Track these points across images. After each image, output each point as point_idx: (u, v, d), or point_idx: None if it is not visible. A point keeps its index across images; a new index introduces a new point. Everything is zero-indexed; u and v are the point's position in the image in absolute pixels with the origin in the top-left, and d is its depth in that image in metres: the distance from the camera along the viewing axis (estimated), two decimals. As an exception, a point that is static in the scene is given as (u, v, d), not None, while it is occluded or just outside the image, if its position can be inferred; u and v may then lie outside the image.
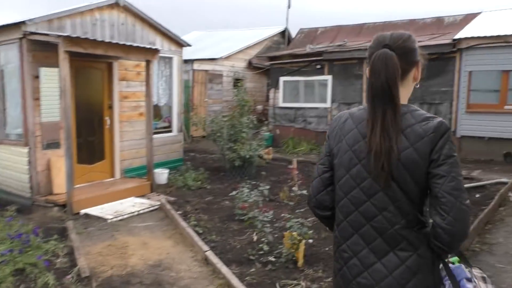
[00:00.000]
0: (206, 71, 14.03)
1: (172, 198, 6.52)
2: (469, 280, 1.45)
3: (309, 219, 4.83)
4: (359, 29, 15.19)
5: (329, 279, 3.71)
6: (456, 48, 9.67)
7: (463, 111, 9.79)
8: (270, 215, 4.72)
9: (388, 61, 1.45)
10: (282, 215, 5.26)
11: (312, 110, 12.16)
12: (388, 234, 1.47)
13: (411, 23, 14.20)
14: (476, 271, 1.50)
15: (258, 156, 8.55)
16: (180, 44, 8.58)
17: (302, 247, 4.06)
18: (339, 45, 12.53)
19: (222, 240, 4.76)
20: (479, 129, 9.59)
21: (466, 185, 7.13)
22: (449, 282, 1.46)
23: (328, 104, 11.81)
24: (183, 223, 5.19)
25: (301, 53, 12.34)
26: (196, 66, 13.67)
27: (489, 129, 9.44)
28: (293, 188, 6.50)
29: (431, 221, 1.44)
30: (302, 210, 5.75)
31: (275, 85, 12.87)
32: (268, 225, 4.60)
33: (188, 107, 12.78)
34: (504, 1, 12.25)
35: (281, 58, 12.70)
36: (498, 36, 9.11)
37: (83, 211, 5.78)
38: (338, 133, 1.60)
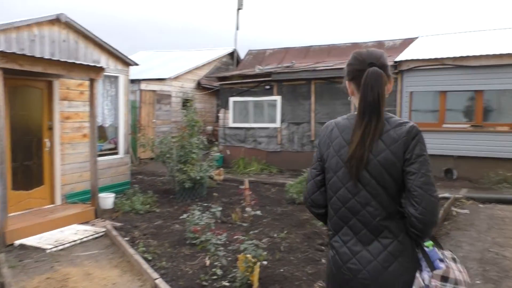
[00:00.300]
0: (154, 91, 13.72)
1: (118, 224, 6.16)
2: (442, 260, 1.63)
3: (263, 240, 4.72)
4: (305, 51, 15.63)
5: (286, 302, 3.60)
6: (397, 70, 10.16)
7: (406, 130, 10.24)
8: (224, 238, 4.56)
9: (379, 78, 1.67)
10: (236, 237, 5.11)
11: (262, 130, 12.21)
12: (372, 225, 1.69)
13: (355, 46, 14.81)
14: (447, 253, 1.68)
15: (209, 177, 8.38)
16: (126, 63, 8.32)
17: (257, 270, 3.93)
18: (287, 66, 12.78)
19: (173, 266, 4.51)
20: (421, 146, 10.04)
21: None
22: (425, 263, 1.65)
23: (277, 124, 11.92)
24: (131, 250, 4.89)
25: (251, 73, 12.44)
26: (143, 86, 13.34)
27: (430, 146, 9.85)
28: (247, 209, 6.37)
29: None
30: (256, 231, 5.63)
31: (225, 106, 12.83)
32: (221, 248, 4.43)
33: (135, 128, 12.38)
34: (435, 27, 13.14)
35: (231, 78, 12.72)
36: (436, 59, 9.70)
37: (18, 242, 5.29)
38: (326, 141, 1.82)
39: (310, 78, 11.23)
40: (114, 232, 5.58)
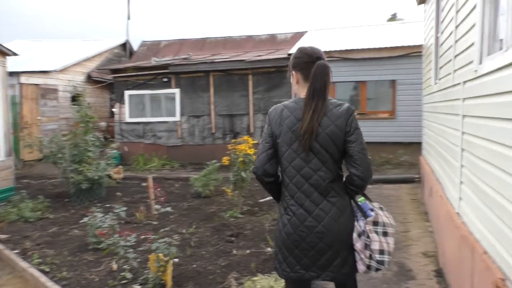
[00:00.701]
0: (37, 85, 12.43)
1: (4, 236, 5.50)
2: (372, 210, 2.14)
3: (175, 237, 4.61)
4: (202, 43, 15.54)
5: (202, 298, 3.58)
6: (291, 63, 10.65)
7: (301, 119, 10.82)
8: (133, 239, 4.34)
9: (327, 70, 2.10)
10: (145, 236, 4.92)
11: (161, 124, 11.86)
12: (322, 187, 2.09)
13: (249, 39, 15.15)
14: (375, 204, 2.18)
15: (107, 176, 7.90)
16: (3, 52, 7.39)
17: (170, 268, 3.82)
18: (185, 58, 12.56)
19: (76, 275, 4.17)
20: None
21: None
22: (359, 214, 2.14)
23: (177, 118, 11.69)
24: (23, 263, 4.41)
25: (147, 65, 11.98)
26: (24, 79, 11.99)
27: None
28: (155, 206, 6.15)
29: (347, 174, 2.11)
30: (167, 228, 5.49)
31: (120, 100, 12.17)
32: (131, 250, 4.22)
33: (16, 126, 11.10)
34: (321, 22, 14.04)
35: (125, 70, 12.09)
36: (324, 52, 10.35)
37: None
38: (277, 120, 2.15)
39: (209, 70, 11.19)
40: (0, 246, 4.98)
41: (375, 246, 2.05)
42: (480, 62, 2.88)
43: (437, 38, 5.75)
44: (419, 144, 8.01)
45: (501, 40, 2.47)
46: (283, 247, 2.17)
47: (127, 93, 12.02)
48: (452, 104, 3.97)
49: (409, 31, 11.12)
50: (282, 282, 3.61)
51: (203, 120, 11.53)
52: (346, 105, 2.12)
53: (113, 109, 13.03)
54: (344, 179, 2.15)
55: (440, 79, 5.20)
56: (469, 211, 2.99)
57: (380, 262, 2.06)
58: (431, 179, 5.44)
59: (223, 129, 11.39)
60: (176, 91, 11.59)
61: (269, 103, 10.98)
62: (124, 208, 5.23)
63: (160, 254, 3.80)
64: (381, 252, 2.06)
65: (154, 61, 12.30)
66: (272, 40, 14.96)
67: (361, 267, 2.12)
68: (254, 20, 58.64)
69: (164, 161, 11.45)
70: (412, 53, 9.61)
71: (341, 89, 10.72)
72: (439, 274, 3.86)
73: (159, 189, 6.56)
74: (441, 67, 5.13)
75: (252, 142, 6.32)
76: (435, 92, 5.59)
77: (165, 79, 11.55)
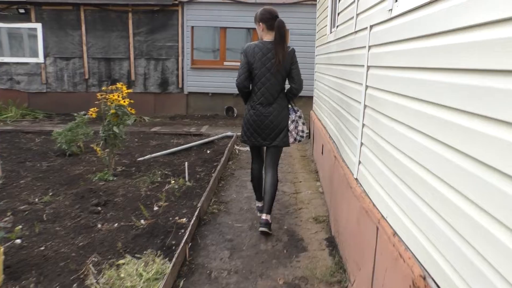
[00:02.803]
0: None
1: None
2: (297, 111, 3.86)
3: (22, 207, 3.56)
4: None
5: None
6: (178, 1, 9.46)
7: (189, 68, 9.87)
8: None
9: (284, 24, 3.55)
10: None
11: (20, 66, 9.90)
12: (275, 95, 3.61)
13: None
14: (297, 108, 3.89)
15: None
16: None
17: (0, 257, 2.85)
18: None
19: None
20: (204, 85, 9.90)
21: (198, 142, 7.20)
22: (292, 110, 3.80)
23: (41, 59, 9.83)
24: None
25: (-4, -9, 9.67)
26: None
27: (212, 85, 9.86)
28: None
29: (287, 87, 3.69)
30: (10, 198, 4.34)
31: (-38, 33, 9.75)
32: None
33: None
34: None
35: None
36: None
37: None
38: (252, 53, 3.55)
39: (78, 3, 9.43)
40: None
41: (300, 128, 3.77)
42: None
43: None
44: (310, 98, 7.73)
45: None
46: (250, 128, 3.66)
47: (-29, 24, 9.65)
48: (354, 54, 3.50)
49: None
50: (153, 268, 2.91)
51: (74, 63, 9.86)
52: (292, 47, 3.61)
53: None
54: (285, 90, 3.70)
55: (337, 26, 4.74)
56: (372, 180, 2.57)
57: (301, 137, 3.79)
58: (323, 136, 5.12)
59: (99, 75, 9.90)
60: (38, 26, 9.63)
61: (153, 47, 9.77)
62: None
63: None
64: (302, 131, 3.79)
65: (7, -14, 9.98)
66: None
67: (291, 139, 3.76)
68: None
69: (25, 110, 9.66)
70: (307, 1, 9.16)
71: (232, 36, 9.94)
72: (331, 243, 3.54)
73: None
74: (339, 13, 4.65)
75: (126, 91, 5.30)
76: (331, 41, 5.15)
77: (22, 10, 9.47)
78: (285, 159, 6.41)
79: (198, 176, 5.34)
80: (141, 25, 9.66)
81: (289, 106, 3.74)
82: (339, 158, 3.73)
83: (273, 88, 3.55)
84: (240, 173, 5.67)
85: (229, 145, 6.75)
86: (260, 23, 3.57)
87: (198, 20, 9.67)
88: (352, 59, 3.57)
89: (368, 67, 2.91)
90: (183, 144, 7.08)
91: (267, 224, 3.61)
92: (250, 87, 3.65)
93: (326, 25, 5.73)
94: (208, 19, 9.64)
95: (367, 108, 2.89)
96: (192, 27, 9.71)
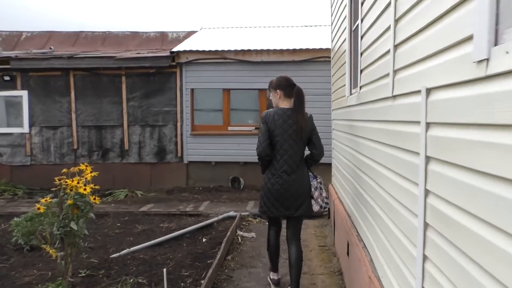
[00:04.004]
0: None
1: None
2: (316, 177, 3.74)
3: None
4: (75, 37, 12.81)
5: None
6: (176, 63, 8.59)
7: (189, 134, 8.79)
8: None
9: (302, 92, 3.57)
10: None
11: (3, 137, 8.97)
12: (298, 162, 3.55)
13: (134, 36, 12.81)
14: (318, 176, 3.77)
15: None
16: None
17: None
18: (43, 53, 9.79)
19: None
20: (206, 153, 8.76)
21: (191, 228, 5.87)
22: (312, 177, 3.70)
23: (25, 129, 8.89)
24: None
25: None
26: None
27: (215, 152, 8.72)
28: None
29: (308, 153, 3.66)
30: None
31: None
32: None
33: None
34: (221, 21, 12.27)
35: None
36: (216, 52, 8.50)
37: None
38: (272, 120, 3.49)
39: (68, 68, 8.63)
40: None
41: (324, 194, 3.69)
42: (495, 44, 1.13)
43: (352, 32, 4.18)
44: (327, 165, 6.37)
45: None
46: (271, 197, 3.57)
47: (-48, 94, 8.90)
48: (392, 130, 2.26)
49: (316, 35, 9.77)
50: None
51: (62, 132, 8.89)
52: (310, 114, 3.62)
53: None
54: (305, 157, 3.67)
55: (361, 87, 3.56)
56: None
57: (327, 203, 3.68)
58: (348, 231, 3.78)
59: (89, 145, 8.88)
60: (24, 94, 8.80)
61: (148, 113, 8.79)
62: None
63: None
64: (326, 198, 3.71)
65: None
66: (162, 38, 12.76)
67: (316, 207, 3.64)
68: (142, 16, 54.22)
69: (5, 186, 8.57)
70: (319, 58, 8.19)
71: (237, 98, 8.92)
72: None
73: None
74: (362, 69, 3.49)
75: (91, 174, 4.12)
76: (353, 106, 3.97)
77: (7, 78, 8.69)
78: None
79: (182, 284, 3.98)
80: (136, 89, 8.76)
81: (309, 173, 3.68)
82: (375, 279, 2.37)
83: (296, 155, 3.52)
84: (240, 275, 4.29)
85: (230, 230, 5.41)
86: (278, 90, 3.61)
87: (198, 82, 8.72)
88: (391, 138, 2.33)
89: (428, 158, 1.65)
90: (174, 229, 5.78)
91: None
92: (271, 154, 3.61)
93: (344, 85, 4.60)
94: (209, 81, 8.69)
95: (429, 230, 1.60)
96: (192, 89, 8.76)
